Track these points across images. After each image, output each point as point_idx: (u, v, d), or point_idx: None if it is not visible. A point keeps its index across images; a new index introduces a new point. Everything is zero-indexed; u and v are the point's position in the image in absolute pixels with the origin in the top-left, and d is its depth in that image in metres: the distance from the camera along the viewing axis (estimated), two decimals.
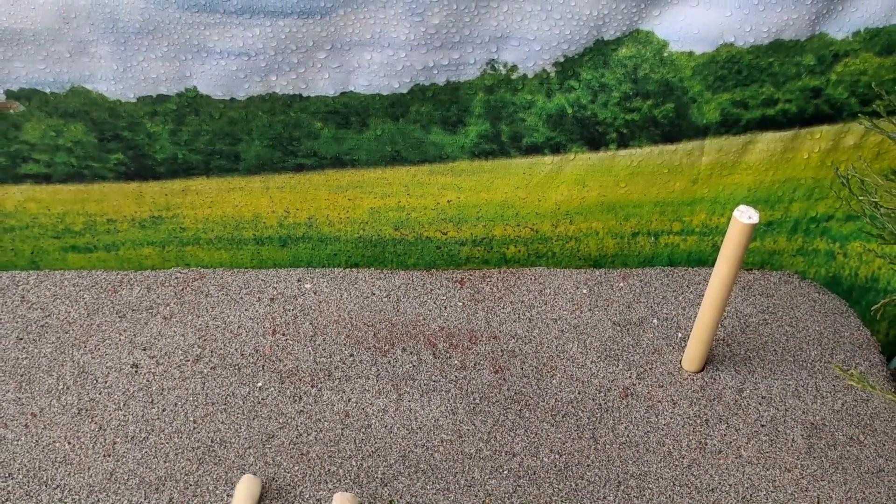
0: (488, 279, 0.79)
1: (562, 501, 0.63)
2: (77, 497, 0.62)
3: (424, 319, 0.75)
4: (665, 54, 0.71)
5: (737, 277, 0.64)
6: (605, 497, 0.63)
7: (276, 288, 0.77)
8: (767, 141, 0.76)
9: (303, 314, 0.75)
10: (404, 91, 0.72)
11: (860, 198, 0.62)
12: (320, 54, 0.69)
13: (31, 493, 0.61)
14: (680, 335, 0.74)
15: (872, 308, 0.70)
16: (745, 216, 0.61)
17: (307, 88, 0.71)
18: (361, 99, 0.72)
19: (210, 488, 0.62)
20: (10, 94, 0.70)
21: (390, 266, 0.84)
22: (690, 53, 0.71)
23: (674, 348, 0.73)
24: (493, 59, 0.71)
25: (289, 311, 0.75)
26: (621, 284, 0.78)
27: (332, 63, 0.70)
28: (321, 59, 0.69)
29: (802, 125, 0.75)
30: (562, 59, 0.71)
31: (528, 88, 0.73)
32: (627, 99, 0.73)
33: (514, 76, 0.72)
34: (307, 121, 0.74)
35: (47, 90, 0.70)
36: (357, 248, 0.83)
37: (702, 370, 0.72)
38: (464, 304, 0.76)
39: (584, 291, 0.78)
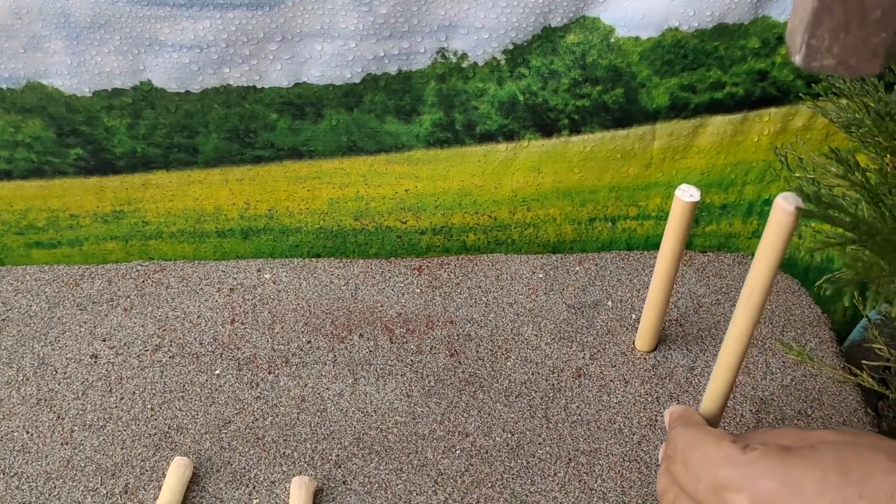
0: (446, 266, 0.80)
1: (513, 479, 0.64)
2: (34, 484, 0.63)
3: (382, 306, 0.76)
4: (612, 40, 0.72)
5: (682, 256, 0.65)
6: (555, 473, 0.64)
7: (235, 278, 0.78)
8: (717, 124, 0.78)
9: (262, 303, 0.76)
10: (357, 81, 0.73)
11: (797, 175, 0.63)
12: (271, 46, 0.70)
13: None
14: (634, 317, 0.75)
15: (816, 284, 0.71)
16: (687, 195, 0.62)
17: (261, 80, 0.72)
18: (315, 90, 0.74)
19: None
20: None
21: (352, 256, 0.85)
22: (636, 39, 0.72)
23: (627, 329, 0.74)
24: (444, 48, 0.72)
25: (248, 300, 0.76)
26: (577, 269, 0.80)
27: (283, 54, 0.71)
28: (273, 50, 0.70)
29: (751, 108, 0.77)
30: (511, 47, 0.72)
31: (479, 76, 0.74)
32: (577, 85, 0.74)
33: (464, 64, 0.73)
34: (263, 112, 0.75)
35: (3, 86, 0.71)
36: (318, 239, 0.84)
37: (654, 350, 0.73)
38: (421, 290, 0.77)
39: (541, 276, 0.79)
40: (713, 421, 0.60)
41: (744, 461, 0.48)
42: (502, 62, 0.73)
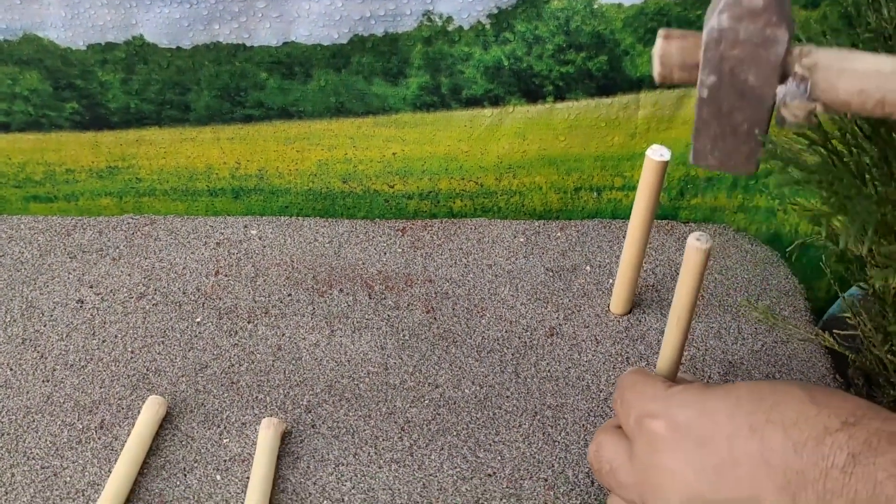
0: (430, 228, 0.81)
1: (478, 428, 0.65)
2: (14, 417, 0.65)
3: (363, 264, 0.77)
4: (595, 6, 0.73)
5: (654, 216, 0.66)
6: (520, 425, 0.65)
7: (222, 233, 0.80)
8: None
9: (246, 257, 0.77)
10: (344, 42, 0.75)
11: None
12: (260, 3, 0.72)
13: None
14: (611, 282, 0.76)
15: (787, 249, 0.72)
16: (657, 154, 0.63)
17: (250, 38, 0.74)
18: (304, 49, 0.75)
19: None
20: None
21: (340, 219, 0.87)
22: (619, 5, 0.73)
23: (603, 293, 0.75)
24: (429, 11, 0.74)
25: (233, 254, 0.78)
26: (558, 234, 0.81)
27: (272, 12, 0.72)
28: (261, 7, 0.72)
29: None
30: (495, 11, 0.74)
31: (464, 40, 0.75)
32: (561, 51, 0.75)
33: (450, 28, 0.75)
34: (253, 71, 0.76)
35: (1, 37, 0.73)
36: (307, 201, 0.86)
37: (629, 313, 0.74)
38: (403, 250, 0.79)
39: (522, 240, 0.80)
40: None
41: (666, 394, 0.50)
42: (487, 26, 0.74)
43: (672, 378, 0.61)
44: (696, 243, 0.55)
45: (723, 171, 0.48)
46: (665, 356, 0.60)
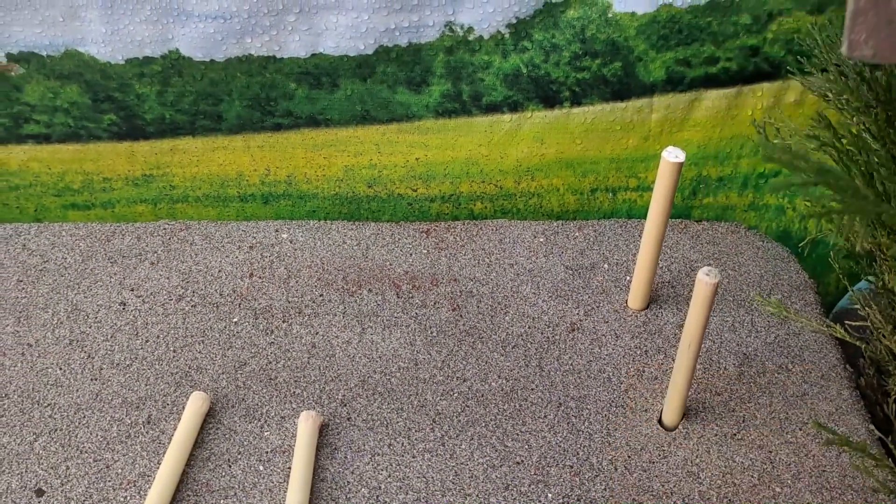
0: (452, 230, 0.85)
1: (505, 419, 0.68)
2: (65, 414, 0.68)
3: (391, 265, 0.81)
4: (609, 15, 0.76)
5: (670, 215, 0.70)
6: (545, 416, 0.68)
7: (255, 237, 0.83)
8: (712, 98, 0.82)
9: (279, 260, 0.81)
10: (370, 52, 0.78)
11: (774, 141, 0.67)
12: (290, 17, 0.75)
13: (25, 411, 0.68)
14: (629, 278, 0.79)
15: (800, 245, 0.75)
16: (673, 155, 0.67)
17: (280, 50, 0.78)
18: (331, 60, 0.79)
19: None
20: (10, 57, 0.77)
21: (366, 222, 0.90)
22: (633, 14, 0.76)
23: (621, 290, 0.78)
24: (451, 22, 0.77)
25: (266, 257, 0.81)
26: (577, 234, 0.84)
27: (301, 26, 0.76)
28: (291, 21, 0.76)
29: (744, 83, 0.80)
30: (514, 21, 0.77)
31: (484, 49, 0.79)
32: (577, 58, 0.79)
33: (471, 38, 0.78)
34: (282, 82, 0.80)
35: (44, 53, 0.77)
36: (334, 206, 0.89)
37: (646, 308, 0.77)
38: (428, 251, 0.82)
39: (541, 240, 0.83)
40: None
41: None
42: (506, 36, 0.78)
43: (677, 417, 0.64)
44: (705, 278, 0.59)
45: (878, 61, 0.47)
46: (675, 384, 0.63)
